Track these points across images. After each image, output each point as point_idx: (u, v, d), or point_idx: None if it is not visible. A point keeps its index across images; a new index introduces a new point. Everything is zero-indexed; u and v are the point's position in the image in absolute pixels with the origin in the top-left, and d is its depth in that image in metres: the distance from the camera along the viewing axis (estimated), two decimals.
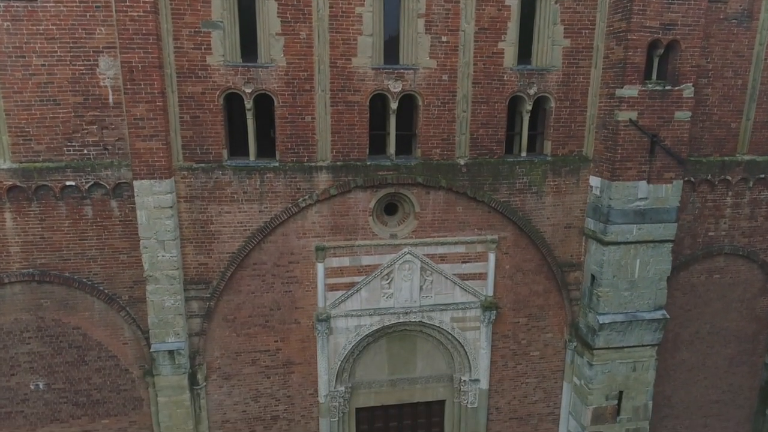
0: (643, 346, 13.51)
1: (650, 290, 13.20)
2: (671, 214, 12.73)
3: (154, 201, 11.33)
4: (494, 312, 13.58)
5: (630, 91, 11.88)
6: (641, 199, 12.53)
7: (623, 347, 13.44)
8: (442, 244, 13.09)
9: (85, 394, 12.69)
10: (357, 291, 13.04)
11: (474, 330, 13.78)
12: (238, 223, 12.11)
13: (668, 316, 13.37)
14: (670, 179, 12.55)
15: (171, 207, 11.45)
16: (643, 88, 11.92)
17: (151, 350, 12.06)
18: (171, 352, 12.02)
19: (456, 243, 13.14)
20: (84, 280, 11.98)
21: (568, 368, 14.51)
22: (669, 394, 15.31)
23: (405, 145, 12.96)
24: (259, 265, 12.52)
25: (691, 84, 12.04)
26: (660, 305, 13.35)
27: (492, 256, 13.32)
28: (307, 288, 12.86)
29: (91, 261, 11.91)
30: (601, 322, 13.03)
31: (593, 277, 13.30)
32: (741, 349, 15.34)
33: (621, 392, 13.83)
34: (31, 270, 11.74)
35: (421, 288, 13.25)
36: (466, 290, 13.44)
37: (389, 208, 13.10)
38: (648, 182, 12.46)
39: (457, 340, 13.77)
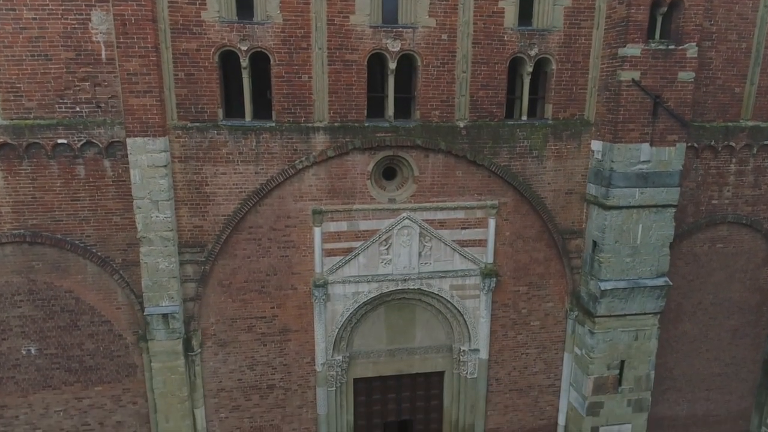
0: (645, 314, 13.30)
1: (653, 256, 12.98)
2: (674, 178, 12.52)
3: (147, 159, 11.11)
4: (494, 279, 13.37)
5: (633, 50, 11.66)
6: (644, 162, 12.31)
7: (625, 315, 13.23)
8: (442, 209, 12.88)
9: (78, 360, 12.47)
10: (355, 257, 12.83)
11: (473, 298, 13.57)
12: (233, 184, 11.89)
13: (671, 283, 13.16)
14: (674, 142, 12.34)
15: (165, 166, 11.23)
16: (646, 47, 11.71)
17: (144, 314, 11.83)
18: (165, 316, 11.80)
19: (455, 208, 12.92)
20: (76, 242, 11.75)
21: (569, 339, 14.30)
22: (671, 367, 15.10)
23: (404, 110, 12.75)
24: (255, 228, 12.31)
25: (694, 43, 11.83)
26: (663, 272, 13.14)
27: (492, 222, 13.11)
28: (304, 253, 12.64)
29: (83, 222, 11.68)
30: (602, 289, 12.82)
31: (595, 244, 13.08)
32: (744, 320, 15.14)
33: (623, 362, 13.62)
34: (22, 231, 11.52)
35: (420, 254, 13.03)
36: (465, 257, 13.23)
37: (388, 172, 12.89)
38: (651, 145, 12.25)
39: (456, 308, 13.56)
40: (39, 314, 12.08)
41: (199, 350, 12.69)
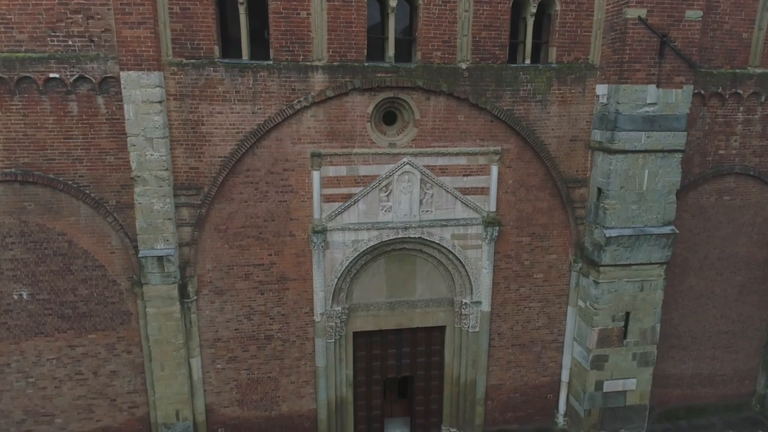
0: (651, 264, 13.01)
1: (659, 204, 12.70)
2: (681, 121, 12.24)
3: (141, 95, 10.84)
4: (496, 229, 13.09)
5: None
6: (650, 104, 12.03)
7: (630, 265, 12.95)
8: (443, 154, 12.59)
9: (71, 306, 12.19)
10: (354, 203, 12.55)
11: (475, 248, 13.29)
12: (230, 124, 11.61)
13: (677, 231, 12.87)
14: (680, 84, 12.06)
15: (160, 102, 10.95)
16: None
17: (139, 256, 11.56)
18: (160, 259, 11.53)
19: (457, 154, 12.64)
20: (69, 182, 11.47)
21: (573, 292, 14.02)
22: (676, 323, 14.81)
23: (404, 54, 12.48)
24: (252, 171, 12.03)
25: None
26: (669, 220, 12.86)
27: (494, 169, 12.83)
28: (303, 198, 12.37)
29: (76, 162, 11.41)
30: (607, 236, 12.53)
31: (599, 191, 12.80)
32: (751, 276, 14.86)
33: (628, 314, 13.34)
34: (13, 170, 11.24)
35: (420, 202, 12.75)
36: (467, 205, 12.95)
37: (388, 117, 12.60)
38: (657, 86, 11.97)
39: (458, 258, 13.27)
40: (31, 257, 11.80)
41: (195, 297, 12.41)
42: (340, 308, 13.24)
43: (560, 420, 14.66)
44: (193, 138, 11.57)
